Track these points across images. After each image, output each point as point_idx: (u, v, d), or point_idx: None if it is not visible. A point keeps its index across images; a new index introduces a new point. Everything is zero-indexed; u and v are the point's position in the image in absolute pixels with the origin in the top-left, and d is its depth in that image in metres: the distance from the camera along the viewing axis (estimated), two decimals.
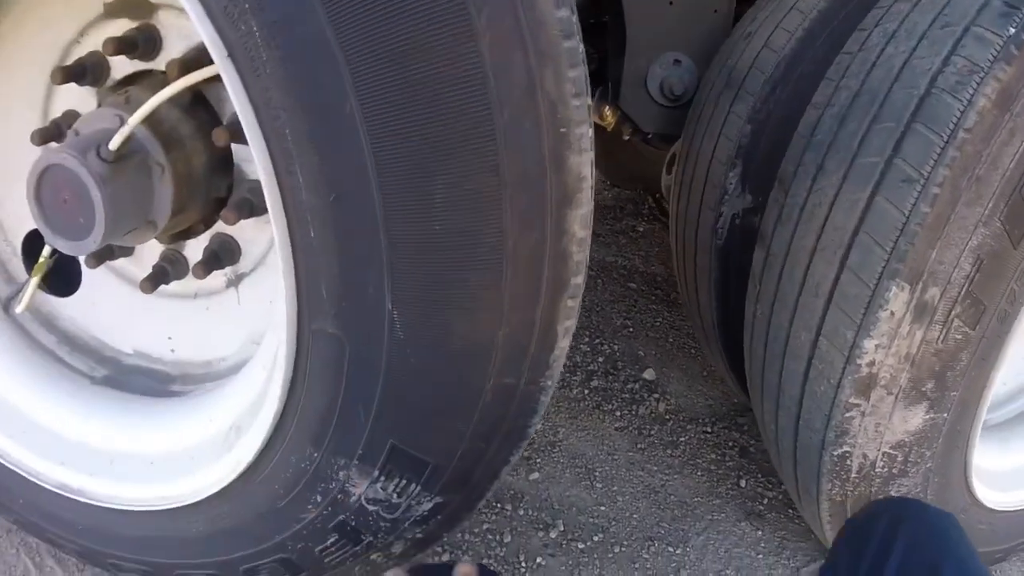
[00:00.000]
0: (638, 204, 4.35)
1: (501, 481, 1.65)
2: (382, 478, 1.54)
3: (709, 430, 2.83)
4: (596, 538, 2.36)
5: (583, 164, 1.28)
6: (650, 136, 2.60)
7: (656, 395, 2.96)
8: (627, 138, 2.68)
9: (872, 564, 1.40)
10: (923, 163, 1.55)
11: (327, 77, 1.19)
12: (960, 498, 2.13)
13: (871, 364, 1.66)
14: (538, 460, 2.59)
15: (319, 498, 1.61)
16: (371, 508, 1.60)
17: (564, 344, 1.43)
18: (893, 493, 1.93)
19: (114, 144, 1.48)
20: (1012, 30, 1.52)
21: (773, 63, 2.12)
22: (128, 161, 1.52)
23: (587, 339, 3.20)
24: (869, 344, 1.64)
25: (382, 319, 1.35)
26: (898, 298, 1.59)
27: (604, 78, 2.59)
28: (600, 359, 3.11)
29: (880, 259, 1.59)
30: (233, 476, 1.66)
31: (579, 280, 1.37)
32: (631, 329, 3.32)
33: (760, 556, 2.39)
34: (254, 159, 1.29)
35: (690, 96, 2.43)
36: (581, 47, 1.25)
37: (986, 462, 2.28)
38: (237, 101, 1.25)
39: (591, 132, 1.29)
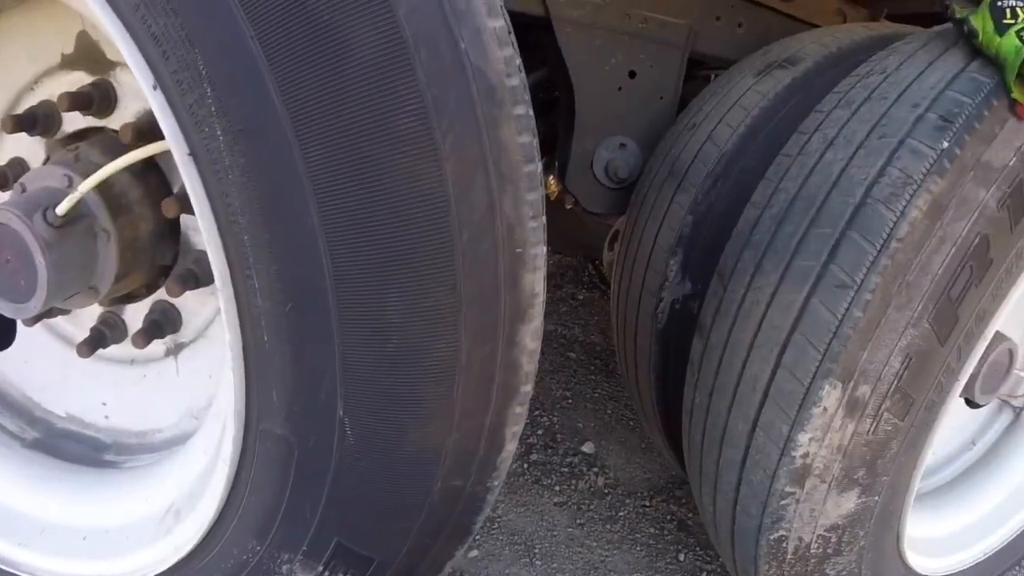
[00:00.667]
0: (578, 271, 4.41)
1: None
2: (326, 573, 1.54)
3: (648, 504, 2.87)
4: None
5: (536, 281, 1.33)
6: (594, 212, 2.67)
7: (595, 468, 2.99)
8: (569, 207, 2.74)
9: None
10: (857, 270, 1.63)
11: (290, 189, 1.20)
12: (895, 570, 2.21)
13: (805, 456, 1.73)
14: (477, 537, 2.60)
15: None
16: None
17: (511, 447, 1.47)
18: (828, 571, 2.00)
19: (62, 209, 1.46)
20: (945, 144, 1.61)
21: (715, 157, 2.20)
22: (74, 226, 1.51)
23: None
24: (803, 438, 1.71)
25: (333, 424, 1.36)
26: (831, 395, 1.67)
27: (551, 148, 2.67)
28: (540, 431, 3.14)
29: (814, 359, 1.67)
30: (171, 563, 1.64)
31: (528, 388, 1.42)
32: (570, 400, 3.36)
33: None
34: (209, 259, 1.29)
35: (634, 179, 2.51)
36: (539, 170, 1.29)
37: (920, 531, 2.36)
38: (196, 200, 1.25)
39: (544, 251, 1.33)
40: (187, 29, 1.17)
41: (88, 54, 1.64)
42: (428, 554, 1.57)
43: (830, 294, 1.66)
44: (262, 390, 1.37)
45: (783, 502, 1.81)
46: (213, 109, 1.19)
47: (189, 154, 1.23)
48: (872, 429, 1.78)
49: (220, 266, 1.29)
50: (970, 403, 2.46)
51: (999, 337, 2.16)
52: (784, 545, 1.90)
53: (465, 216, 1.22)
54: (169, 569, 1.65)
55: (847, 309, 1.63)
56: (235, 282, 1.29)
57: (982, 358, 2.10)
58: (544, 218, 1.33)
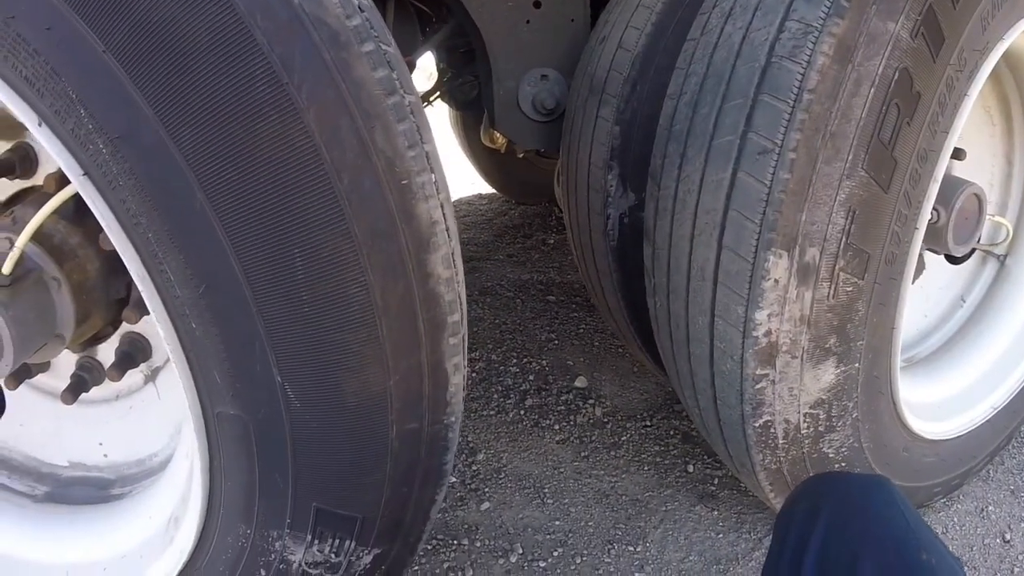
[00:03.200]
0: (545, 218, 4.41)
1: (434, 521, 1.67)
2: (316, 541, 1.55)
3: (648, 424, 2.86)
4: (556, 553, 2.37)
5: (432, 209, 1.31)
6: (544, 151, 2.64)
7: (591, 401, 2.99)
8: (522, 155, 2.72)
9: (795, 549, 1.29)
10: (775, 132, 1.59)
11: (174, 180, 1.23)
12: (898, 437, 2.17)
13: (768, 333, 1.70)
14: (486, 489, 2.60)
15: (263, 572, 1.62)
16: (314, 572, 1.60)
17: (457, 380, 1.46)
18: (826, 450, 1.97)
19: (7, 268, 1.49)
20: None
21: (629, 62, 2.16)
22: (24, 281, 1.53)
23: (515, 360, 3.23)
24: (761, 315, 1.68)
25: (275, 392, 1.37)
26: (778, 265, 1.63)
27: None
28: (531, 377, 3.13)
29: (753, 232, 1.63)
30: (179, 567, 1.67)
31: (456, 317, 1.40)
32: (556, 342, 3.35)
33: (720, 535, 2.42)
34: (125, 263, 1.31)
35: (563, 108, 2.48)
36: (408, 98, 1.28)
37: (919, 396, 2.35)
38: (100, 214, 1.29)
39: (434, 177, 1.32)
40: (50, 63, 1.22)
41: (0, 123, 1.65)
42: (409, 502, 1.57)
43: (754, 162, 1.63)
44: (206, 375, 1.39)
45: (758, 386, 1.78)
46: (90, 127, 1.23)
47: (83, 174, 1.27)
48: (832, 293, 1.74)
49: (136, 268, 1.31)
50: (950, 258, 2.44)
51: (961, 182, 2.13)
52: (772, 430, 1.87)
53: (339, 160, 1.23)
54: (180, 573, 1.68)
55: (774, 173, 1.60)
56: (153, 278, 1.32)
57: (947, 206, 2.08)
58: (429, 145, 1.31)
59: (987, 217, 2.27)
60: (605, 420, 2.90)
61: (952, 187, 2.11)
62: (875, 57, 1.60)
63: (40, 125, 1.27)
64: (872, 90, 1.61)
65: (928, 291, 2.62)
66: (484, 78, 2.59)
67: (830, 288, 1.73)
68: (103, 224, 1.29)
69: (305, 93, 1.19)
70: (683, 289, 1.84)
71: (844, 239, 1.69)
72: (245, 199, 1.23)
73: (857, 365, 1.89)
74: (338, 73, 1.21)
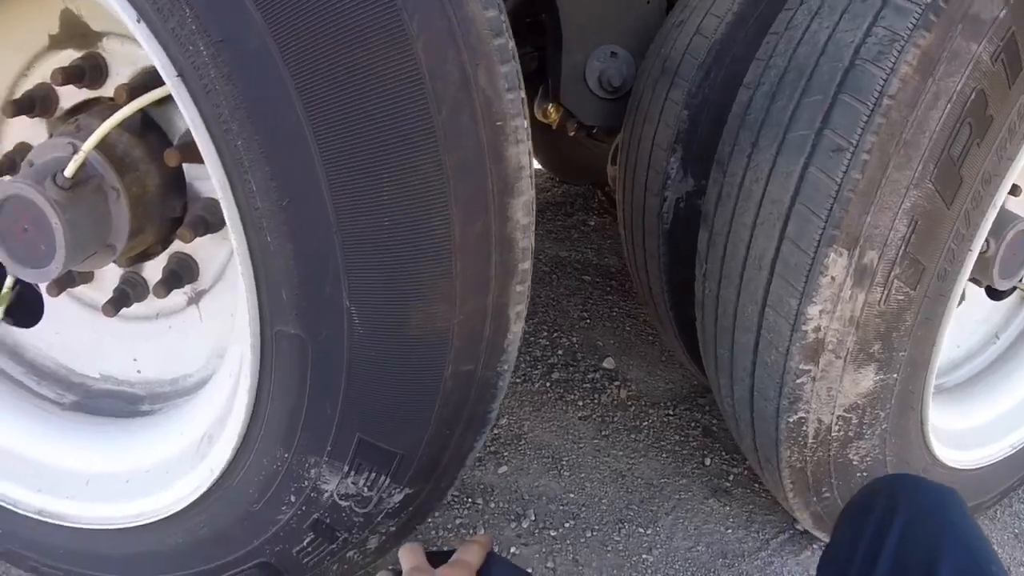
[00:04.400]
0: (587, 199, 4.40)
1: (468, 469, 1.69)
2: (352, 473, 1.57)
3: (671, 412, 2.88)
4: (567, 525, 2.40)
5: (521, 154, 1.33)
6: (595, 130, 2.64)
7: (617, 383, 3.01)
8: (572, 134, 2.72)
9: (871, 542, 1.34)
10: (851, 132, 1.60)
11: (273, 89, 1.23)
12: (920, 458, 2.19)
13: (817, 330, 1.72)
14: (505, 453, 2.63)
15: (293, 498, 1.64)
16: (344, 504, 1.63)
17: (517, 329, 1.47)
18: (851, 456, 1.99)
19: (69, 171, 1.49)
20: None
21: (705, 49, 2.17)
22: (84, 187, 1.54)
23: (545, 333, 3.25)
24: (813, 310, 1.69)
25: (341, 315, 1.38)
26: (837, 263, 1.65)
27: (546, 76, 2.64)
28: (559, 351, 3.15)
29: (817, 227, 1.64)
30: (208, 484, 1.68)
31: (526, 266, 1.42)
32: (588, 321, 3.37)
33: (729, 531, 2.44)
34: (209, 174, 1.32)
35: (628, 87, 2.48)
36: (511, 43, 1.30)
37: (944, 423, 2.35)
38: (189, 118, 1.29)
39: (526, 124, 1.33)
40: None
41: (74, 30, 1.66)
42: (449, 445, 1.59)
43: (827, 159, 1.63)
44: (272, 291, 1.40)
45: (799, 380, 1.79)
46: (194, 27, 1.22)
47: (178, 75, 1.27)
48: (884, 299, 1.75)
49: (218, 175, 1.32)
50: (991, 293, 2.45)
51: (1014, 216, 2.13)
52: (804, 428, 1.88)
53: (440, 91, 1.24)
54: (207, 491, 1.69)
55: (845, 172, 1.61)
56: (234, 187, 1.32)
57: (998, 238, 2.09)
58: (523, 92, 1.32)
59: None
60: (629, 403, 2.92)
61: (1005, 220, 2.11)
62: (955, 74, 1.60)
63: (139, 22, 1.26)
64: (949, 105, 1.62)
65: (965, 322, 2.62)
66: (552, 49, 2.59)
67: (883, 293, 1.74)
68: (191, 127, 1.30)
69: (417, 21, 1.20)
70: (737, 276, 1.85)
71: (903, 247, 1.70)
72: (342, 116, 1.24)
73: (896, 376, 1.90)
74: (451, 7, 1.22)
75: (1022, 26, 1.64)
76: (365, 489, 1.60)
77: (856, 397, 1.88)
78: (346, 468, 1.57)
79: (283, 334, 1.43)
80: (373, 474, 1.57)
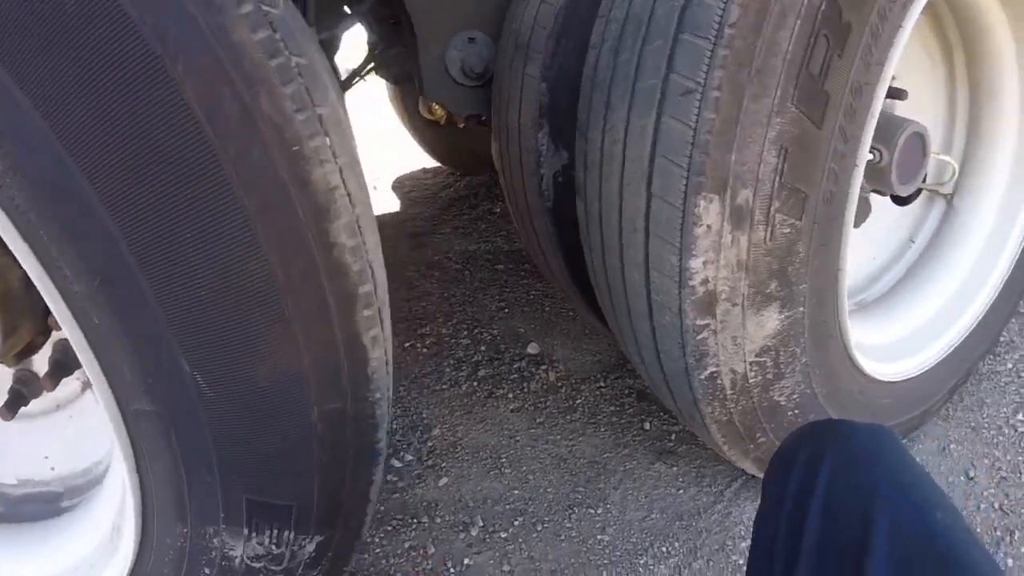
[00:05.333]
0: (491, 188, 4.37)
1: (376, 503, 1.62)
2: (254, 534, 1.50)
3: (603, 384, 2.83)
4: (517, 523, 2.34)
5: (329, 175, 1.24)
6: (483, 117, 2.58)
7: (544, 366, 2.95)
8: (462, 126, 2.67)
9: (798, 496, 1.20)
10: (697, 71, 1.53)
11: (58, 172, 1.16)
12: (852, 381, 2.15)
13: (705, 282, 1.66)
14: (443, 464, 2.56)
15: (208, 571, 1.57)
16: (258, 566, 1.55)
17: (378, 353, 1.40)
18: (776, 397, 1.94)
19: None
20: None
21: (552, 16, 2.10)
22: None
23: (466, 332, 3.19)
24: (696, 263, 1.63)
25: (187, 384, 1.31)
26: (709, 210, 1.58)
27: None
28: (482, 347, 3.09)
29: (681, 177, 1.58)
30: (126, 574, 1.63)
31: (368, 288, 1.34)
32: (507, 310, 3.31)
33: (680, 491, 2.39)
34: (22, 264, 1.25)
35: (491, 71, 2.41)
36: (296, 60, 1.21)
37: (872, 338, 2.33)
38: None
39: (330, 140, 1.25)
40: None
41: None
42: (343, 485, 1.52)
43: (678, 104, 1.57)
44: (116, 372, 1.33)
45: (700, 336, 1.73)
46: None
47: None
48: (769, 236, 1.70)
49: (34, 268, 1.24)
50: (896, 199, 2.42)
51: (902, 121, 2.09)
52: (718, 381, 1.83)
53: (223, 131, 1.16)
54: None
55: (698, 114, 1.54)
56: (52, 277, 1.25)
57: (889, 145, 2.05)
58: (324, 107, 1.24)
59: (932, 156, 2.25)
60: (559, 384, 2.86)
61: (893, 126, 2.07)
62: None
63: None
64: (799, 22, 1.55)
65: (876, 234, 2.60)
66: (411, 47, 2.53)
67: (767, 231, 1.68)
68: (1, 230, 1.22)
69: (181, 64, 1.12)
70: (616, 243, 1.78)
71: (778, 179, 1.64)
72: (130, 184, 1.16)
73: (802, 309, 1.85)
74: (215, 39, 1.13)
75: None
76: (273, 547, 1.52)
77: (765, 340, 1.82)
78: (246, 531, 1.49)
79: (140, 412, 1.36)
80: (275, 531, 1.50)
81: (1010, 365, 2.87)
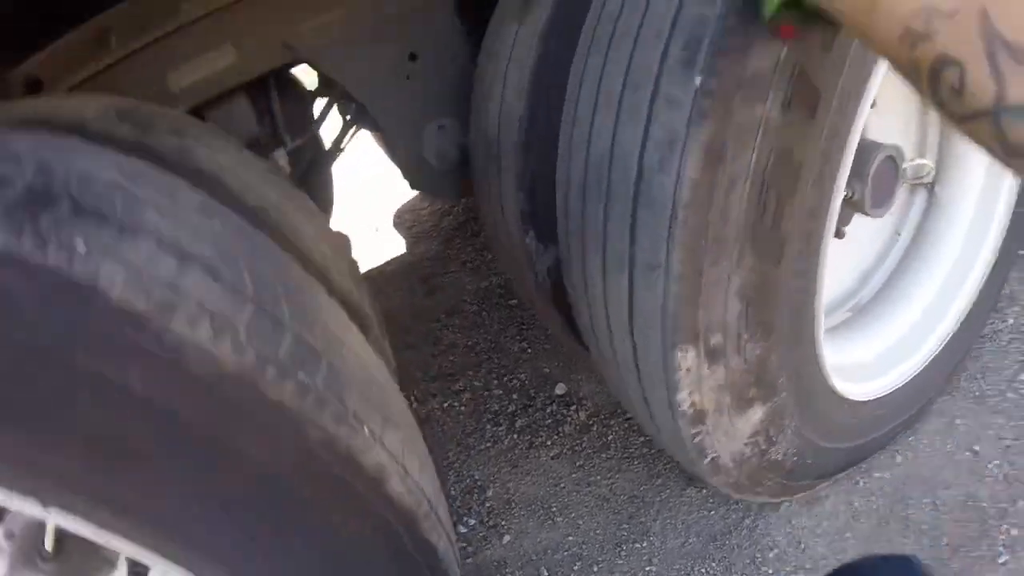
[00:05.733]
0: None
1: None
2: None
3: (629, 416, 3.01)
4: (576, 567, 2.58)
5: None
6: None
7: (574, 406, 3.14)
8: None
9: None
10: (658, 251, 1.66)
11: None
12: (842, 413, 2.33)
13: (692, 405, 1.89)
14: (503, 523, 2.79)
15: None
16: None
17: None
18: (775, 458, 2.18)
19: None
20: (698, 80, 1.50)
21: (516, 126, 2.13)
22: None
23: (496, 380, 3.37)
24: (682, 396, 1.86)
25: None
26: (687, 357, 1.79)
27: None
28: (514, 395, 3.28)
29: (657, 334, 1.79)
30: None
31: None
32: (529, 351, 3.48)
33: (712, 511, 2.61)
34: None
35: (466, 152, 2.48)
36: None
37: (858, 355, 2.49)
38: None
39: None
40: None
41: None
42: None
43: (645, 277, 1.72)
44: None
45: (697, 439, 1.98)
46: None
47: None
48: (744, 359, 1.89)
49: None
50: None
51: (873, 147, 2.10)
52: (720, 461, 2.08)
53: None
54: None
55: (664, 287, 1.70)
56: None
57: (860, 176, 2.08)
58: None
59: (905, 166, 2.28)
60: (590, 423, 3.06)
61: (866, 154, 2.07)
62: (747, 148, 1.58)
63: None
64: (747, 184, 1.62)
65: (860, 239, 2.60)
66: (385, 144, 2.57)
67: (740, 357, 1.88)
68: None
69: None
70: (616, 375, 2.03)
71: (744, 320, 1.82)
72: None
73: (784, 394, 2.05)
74: None
75: None
76: None
77: (755, 426, 2.05)
78: None
79: None
80: None
81: (1011, 320, 2.92)
